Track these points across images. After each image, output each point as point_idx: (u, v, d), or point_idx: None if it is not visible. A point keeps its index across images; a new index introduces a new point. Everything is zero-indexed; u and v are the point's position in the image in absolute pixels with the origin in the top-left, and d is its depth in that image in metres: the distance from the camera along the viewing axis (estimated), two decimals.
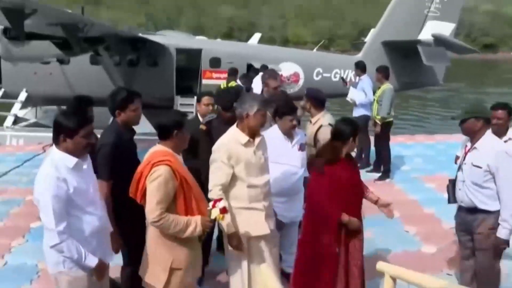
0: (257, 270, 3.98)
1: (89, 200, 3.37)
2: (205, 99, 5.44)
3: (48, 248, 3.28)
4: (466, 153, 4.48)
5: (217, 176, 3.93)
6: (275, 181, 4.50)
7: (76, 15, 12.02)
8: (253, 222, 4.05)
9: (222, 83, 12.06)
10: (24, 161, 9.85)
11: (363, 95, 9.43)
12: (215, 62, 14.79)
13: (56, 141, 3.28)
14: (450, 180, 4.68)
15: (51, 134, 3.34)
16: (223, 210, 3.56)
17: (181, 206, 3.57)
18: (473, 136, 4.39)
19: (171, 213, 3.51)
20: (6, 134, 13.17)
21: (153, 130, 4.16)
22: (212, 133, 4.82)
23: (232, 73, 12.20)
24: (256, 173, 4.07)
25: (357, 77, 10.08)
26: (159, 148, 3.68)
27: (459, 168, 4.56)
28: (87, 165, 3.42)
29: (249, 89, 10.80)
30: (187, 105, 13.90)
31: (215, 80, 14.32)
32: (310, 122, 5.51)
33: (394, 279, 3.06)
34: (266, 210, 4.15)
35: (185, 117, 3.86)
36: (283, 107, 4.84)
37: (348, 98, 9.81)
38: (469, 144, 4.50)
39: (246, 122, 3.99)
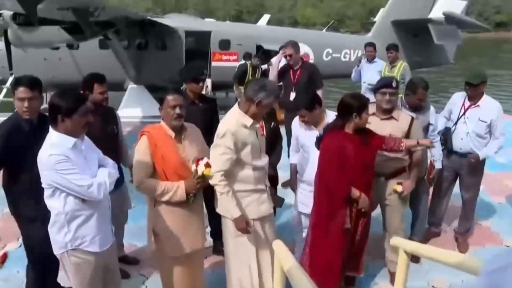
0: (264, 252, 3.97)
1: None
2: None
3: (53, 229, 3.23)
4: (466, 109, 5.27)
5: (221, 162, 3.72)
6: (306, 170, 4.51)
7: None
8: (259, 203, 3.95)
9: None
10: None
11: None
12: (225, 44, 14.75)
13: (54, 123, 3.17)
14: (447, 129, 5.43)
15: None
16: (207, 165, 3.64)
17: (162, 177, 3.70)
18: (478, 96, 5.22)
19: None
20: None
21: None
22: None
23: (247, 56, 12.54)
24: (260, 155, 3.96)
25: (365, 59, 9.79)
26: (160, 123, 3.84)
27: (458, 121, 5.33)
28: (85, 145, 3.27)
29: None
30: None
31: (224, 62, 14.39)
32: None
33: (408, 254, 3.07)
34: (268, 190, 4.09)
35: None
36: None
37: (365, 81, 9.50)
38: (467, 102, 5.28)
39: (256, 108, 3.77)
